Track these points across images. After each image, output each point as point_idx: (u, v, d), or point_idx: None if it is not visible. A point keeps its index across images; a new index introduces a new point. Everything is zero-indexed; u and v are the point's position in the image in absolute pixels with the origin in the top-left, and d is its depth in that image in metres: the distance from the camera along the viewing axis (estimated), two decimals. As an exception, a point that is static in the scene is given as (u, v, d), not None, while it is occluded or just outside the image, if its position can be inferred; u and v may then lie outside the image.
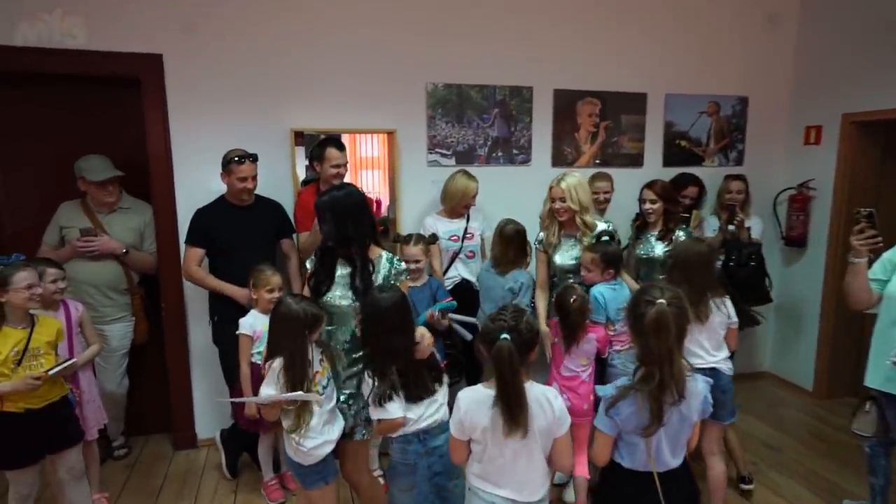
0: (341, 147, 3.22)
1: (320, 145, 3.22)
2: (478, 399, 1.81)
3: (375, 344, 2.06)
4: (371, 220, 2.32)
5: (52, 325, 2.44)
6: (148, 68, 3.12)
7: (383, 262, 2.30)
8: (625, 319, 2.24)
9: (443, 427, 2.07)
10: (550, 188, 3.00)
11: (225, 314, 3.01)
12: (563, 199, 2.93)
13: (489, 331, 1.79)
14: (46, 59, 2.97)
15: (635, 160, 4.07)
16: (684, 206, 3.75)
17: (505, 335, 1.73)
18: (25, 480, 2.38)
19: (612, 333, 2.76)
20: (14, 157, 3.22)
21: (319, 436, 2.13)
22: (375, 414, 2.04)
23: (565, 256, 3.00)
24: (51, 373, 2.33)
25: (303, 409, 2.08)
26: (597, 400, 2.96)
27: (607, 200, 3.65)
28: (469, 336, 3.14)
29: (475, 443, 1.85)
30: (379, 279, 2.25)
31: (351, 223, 2.22)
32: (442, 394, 2.12)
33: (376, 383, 2.01)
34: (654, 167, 4.06)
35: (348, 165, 3.31)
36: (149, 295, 3.30)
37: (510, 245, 3.11)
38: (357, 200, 2.27)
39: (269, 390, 2.06)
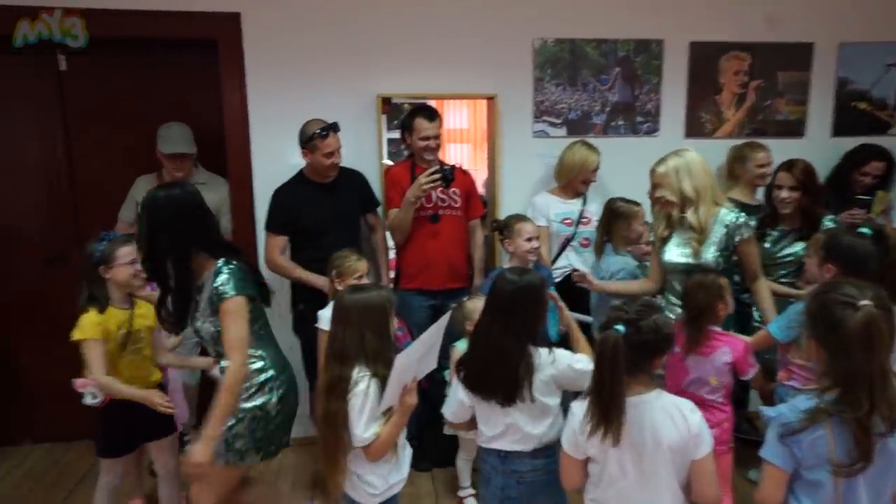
0: (432, 116, 2.90)
1: (410, 115, 2.94)
2: None
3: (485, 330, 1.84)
4: (200, 228, 1.92)
5: (150, 308, 2.34)
6: (225, 29, 2.92)
7: (214, 273, 1.89)
8: (804, 329, 1.69)
9: (535, 454, 1.85)
10: (651, 171, 2.43)
11: (311, 302, 2.77)
12: (658, 186, 2.39)
13: (608, 321, 1.58)
14: (118, 22, 2.84)
15: (794, 128, 3.37)
16: (863, 185, 3.04)
17: (619, 326, 1.51)
18: (118, 470, 2.35)
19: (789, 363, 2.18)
20: (87, 128, 3.13)
21: (395, 474, 1.88)
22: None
23: (674, 252, 2.41)
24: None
25: None
26: (748, 428, 2.44)
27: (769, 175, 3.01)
28: (580, 337, 2.72)
29: (593, 462, 1.63)
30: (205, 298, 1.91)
31: (165, 232, 1.87)
32: (530, 420, 1.82)
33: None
34: (821, 137, 3.35)
35: (441, 138, 2.96)
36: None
37: (609, 226, 2.73)
38: (178, 203, 1.90)
39: (374, 427, 1.77)
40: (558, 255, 3.03)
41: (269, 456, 1.98)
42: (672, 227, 2.41)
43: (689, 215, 2.30)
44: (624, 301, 1.64)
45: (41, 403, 3.30)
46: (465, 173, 3.08)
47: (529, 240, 2.72)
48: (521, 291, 1.81)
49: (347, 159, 2.89)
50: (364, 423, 1.74)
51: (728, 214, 2.33)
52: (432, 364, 1.87)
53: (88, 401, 2.22)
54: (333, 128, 2.74)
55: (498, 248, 3.13)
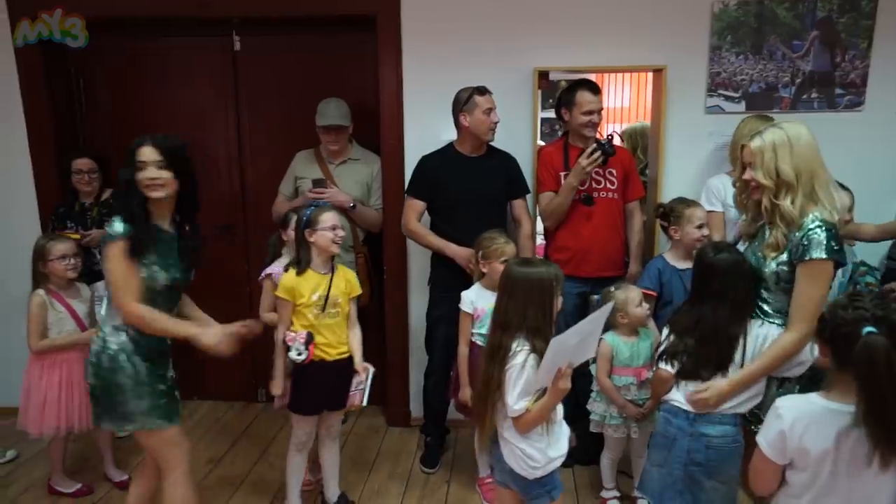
0: (596, 90, 2.78)
1: (570, 89, 2.82)
2: (814, 412, 1.44)
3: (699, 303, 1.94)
4: None
5: (348, 275, 2.49)
6: (385, 4, 3.00)
7: None
8: None
9: (722, 419, 1.88)
10: (742, 147, 2.00)
11: (442, 284, 2.85)
12: (750, 165, 1.92)
13: (841, 323, 1.40)
14: (287, 1, 3.03)
15: None
16: None
17: (871, 328, 1.33)
18: (307, 429, 2.48)
19: None
20: (256, 104, 3.37)
21: (553, 449, 1.89)
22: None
23: (751, 254, 2.00)
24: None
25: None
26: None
27: None
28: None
29: (796, 471, 1.50)
30: None
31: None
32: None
33: (672, 338, 1.95)
34: None
35: (602, 114, 2.82)
36: (371, 256, 3.23)
37: None
38: None
39: (524, 402, 1.83)
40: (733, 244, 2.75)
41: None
42: (757, 223, 2.01)
43: (785, 203, 1.83)
44: (847, 297, 1.47)
45: (208, 363, 3.64)
46: (624, 151, 2.92)
47: (700, 227, 2.53)
48: (732, 269, 1.86)
49: (499, 139, 2.84)
50: (516, 395, 1.80)
51: (812, 221, 1.80)
52: (590, 353, 1.86)
53: (293, 355, 2.35)
54: (487, 89, 2.75)
55: (658, 235, 2.93)
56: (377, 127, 3.14)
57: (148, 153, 1.94)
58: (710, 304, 1.91)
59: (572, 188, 2.71)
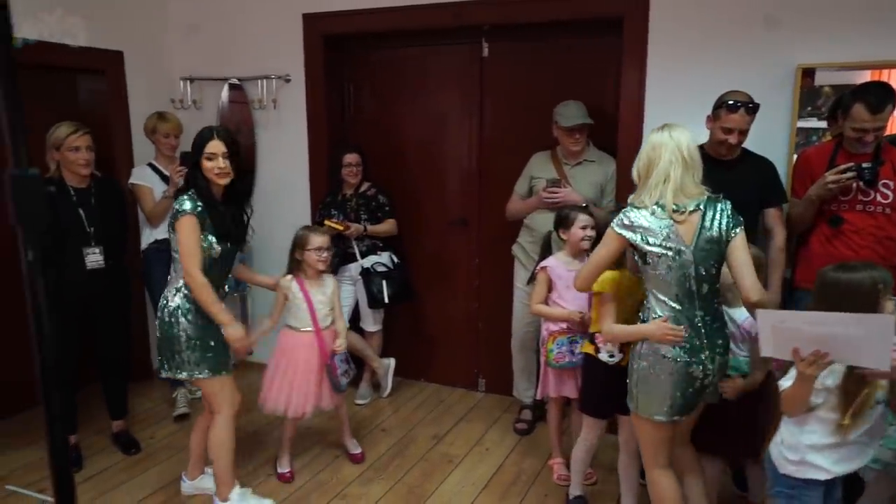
0: (878, 107, 2.47)
1: (853, 94, 2.57)
2: None
3: None
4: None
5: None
6: (633, 4, 3.10)
7: None
8: None
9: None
10: None
11: None
12: None
13: None
14: (535, 8, 3.28)
15: None
16: None
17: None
18: (596, 430, 2.64)
19: None
20: (497, 106, 3.70)
21: (824, 455, 1.87)
22: None
23: None
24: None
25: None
26: None
27: None
28: None
29: None
30: None
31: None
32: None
33: None
34: None
35: (882, 132, 2.55)
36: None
37: None
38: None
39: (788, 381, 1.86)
40: None
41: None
42: None
43: (632, 197, 2.22)
44: None
45: (435, 348, 4.07)
46: None
47: None
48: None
49: (752, 144, 2.77)
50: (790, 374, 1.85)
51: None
52: (873, 361, 1.70)
53: (604, 358, 2.45)
54: (748, 106, 2.64)
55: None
56: (615, 129, 3.26)
57: (216, 146, 2.45)
58: None
59: (810, 202, 2.59)
